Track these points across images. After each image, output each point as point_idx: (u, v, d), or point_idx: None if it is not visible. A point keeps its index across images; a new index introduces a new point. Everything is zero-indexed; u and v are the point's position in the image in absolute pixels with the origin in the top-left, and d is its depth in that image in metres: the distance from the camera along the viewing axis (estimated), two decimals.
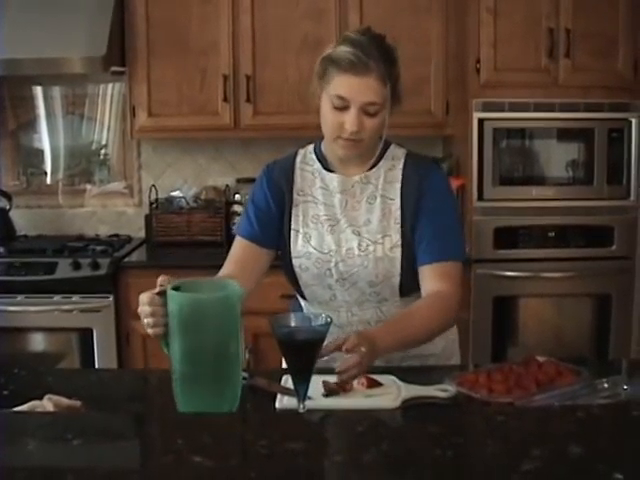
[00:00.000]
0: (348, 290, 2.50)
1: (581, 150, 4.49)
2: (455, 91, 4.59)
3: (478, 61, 4.36)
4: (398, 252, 2.45)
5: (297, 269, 2.52)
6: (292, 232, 2.52)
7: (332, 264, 2.47)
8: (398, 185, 2.50)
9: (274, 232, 2.55)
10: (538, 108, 4.37)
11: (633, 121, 4.44)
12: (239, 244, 2.58)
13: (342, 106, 2.35)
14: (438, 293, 2.41)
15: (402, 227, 2.47)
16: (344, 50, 2.33)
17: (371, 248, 2.46)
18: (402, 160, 2.54)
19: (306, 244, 2.50)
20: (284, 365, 2.61)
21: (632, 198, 4.49)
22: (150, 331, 2.01)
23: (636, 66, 4.41)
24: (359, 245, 2.46)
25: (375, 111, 2.36)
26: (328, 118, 2.41)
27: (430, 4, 4.56)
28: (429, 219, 2.47)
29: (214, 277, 2.43)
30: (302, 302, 2.66)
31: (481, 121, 4.39)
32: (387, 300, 2.52)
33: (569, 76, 4.38)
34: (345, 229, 2.49)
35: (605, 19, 4.37)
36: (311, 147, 2.63)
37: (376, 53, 2.33)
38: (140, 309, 2.02)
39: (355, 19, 4.51)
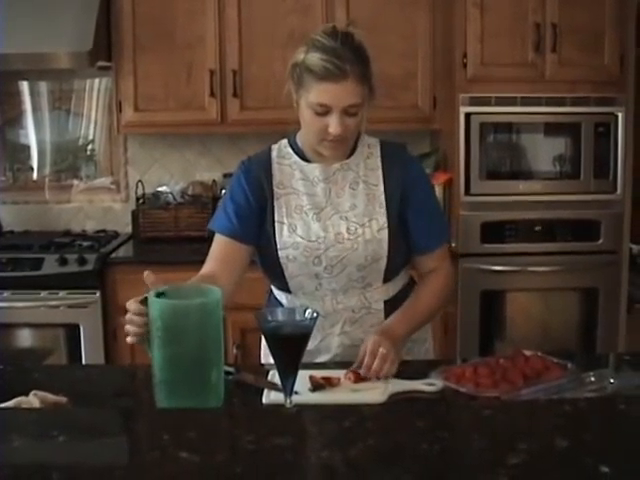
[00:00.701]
0: (335, 277, 2.52)
1: (568, 144, 4.50)
2: (442, 86, 4.59)
3: (465, 56, 4.37)
4: (385, 234, 2.51)
5: (283, 260, 2.52)
6: (276, 224, 2.52)
7: (321, 251, 2.49)
8: (379, 172, 2.56)
9: (254, 228, 2.55)
10: (525, 102, 4.38)
11: (619, 115, 4.44)
12: (219, 241, 2.57)
13: (324, 112, 2.36)
14: (440, 273, 2.63)
15: (388, 210, 2.53)
16: (318, 57, 2.33)
17: (360, 231, 2.50)
18: (378, 147, 2.60)
19: (292, 234, 2.50)
20: (263, 360, 2.64)
21: (618, 192, 4.50)
22: (128, 339, 2.04)
23: (622, 60, 4.42)
24: (348, 229, 2.50)
25: (356, 111, 2.39)
26: (310, 123, 2.42)
27: None
28: (419, 209, 2.57)
29: (197, 275, 2.46)
30: (283, 296, 2.65)
31: (468, 115, 4.39)
32: (371, 285, 2.56)
33: (555, 70, 4.38)
34: (332, 216, 2.52)
35: (591, 13, 4.37)
36: (285, 141, 2.65)
37: (350, 56, 2.33)
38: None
39: (342, 14, 4.50)
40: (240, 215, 2.54)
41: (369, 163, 2.57)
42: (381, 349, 2.25)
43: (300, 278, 2.54)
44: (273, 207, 2.54)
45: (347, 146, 2.52)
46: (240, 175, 2.60)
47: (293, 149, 2.60)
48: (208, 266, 2.53)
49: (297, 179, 2.55)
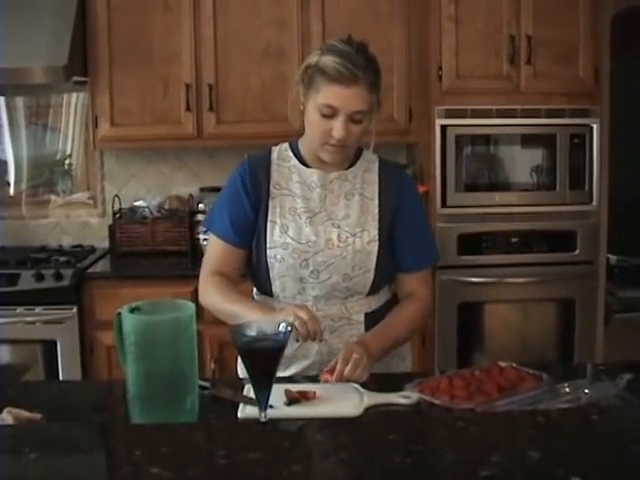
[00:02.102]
0: (320, 283, 2.54)
1: (543, 156, 4.52)
2: (417, 98, 4.61)
3: (440, 68, 4.38)
4: (375, 247, 2.55)
5: (271, 259, 2.54)
6: (269, 223, 2.56)
7: (310, 254, 2.52)
8: (376, 186, 2.61)
9: (249, 234, 2.60)
10: (500, 114, 4.40)
11: (594, 127, 4.47)
12: (217, 246, 2.63)
13: (330, 114, 2.42)
14: (418, 297, 2.66)
15: (380, 224, 2.57)
16: (332, 60, 2.39)
17: (350, 240, 2.54)
18: (377, 164, 2.66)
19: (283, 234, 2.54)
20: (240, 374, 2.65)
21: (594, 203, 4.52)
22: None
23: (597, 72, 4.45)
24: (339, 236, 2.54)
25: (361, 118, 2.44)
26: (316, 125, 2.47)
27: (392, 12, 4.58)
28: (409, 227, 2.63)
29: (213, 277, 2.60)
30: (266, 300, 2.65)
31: (444, 128, 4.41)
32: (353, 297, 2.59)
33: (530, 82, 4.41)
34: (324, 222, 2.55)
35: (566, 26, 4.41)
36: (286, 145, 2.69)
37: (363, 63, 2.41)
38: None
39: (317, 28, 4.51)
40: (236, 221, 2.59)
41: (367, 177, 2.62)
42: (354, 355, 2.31)
43: (285, 279, 2.56)
44: (267, 206, 2.58)
45: (347, 154, 2.56)
46: (238, 176, 2.63)
47: (294, 153, 2.64)
48: (214, 266, 2.63)
49: (294, 182, 2.60)
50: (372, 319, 2.58)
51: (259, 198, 2.59)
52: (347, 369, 2.28)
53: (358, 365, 2.29)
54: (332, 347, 2.54)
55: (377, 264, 2.55)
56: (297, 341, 2.32)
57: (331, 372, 2.31)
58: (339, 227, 2.54)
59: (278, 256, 2.53)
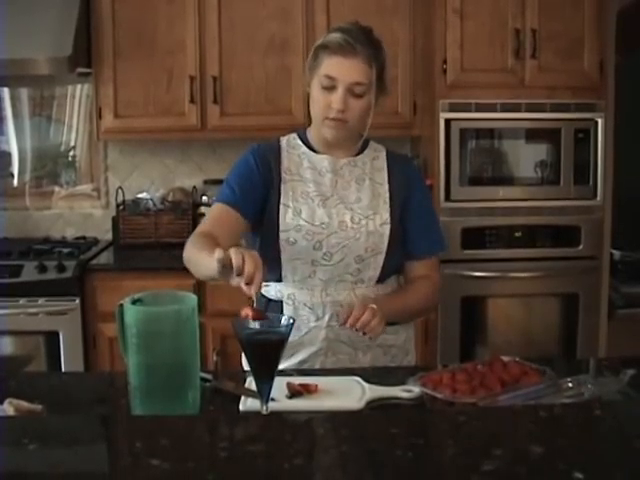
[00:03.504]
0: (332, 266, 2.56)
1: (548, 150, 4.51)
2: (422, 92, 4.61)
3: (445, 62, 4.37)
4: (387, 229, 2.59)
5: (283, 242, 2.55)
6: (281, 207, 2.57)
7: (323, 236, 2.55)
8: (385, 173, 2.67)
9: (255, 204, 2.58)
10: (505, 108, 4.39)
11: (599, 121, 4.46)
12: (218, 207, 2.59)
13: (330, 86, 2.48)
14: (428, 280, 2.70)
15: (391, 208, 2.61)
16: (334, 35, 2.51)
17: (363, 222, 2.57)
18: (384, 152, 2.72)
19: (296, 217, 2.55)
20: (245, 367, 2.65)
21: (598, 198, 4.51)
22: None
23: (602, 66, 4.44)
24: (352, 218, 2.57)
25: (361, 92, 2.50)
26: (317, 99, 2.54)
27: (396, 5, 4.58)
28: (419, 214, 2.68)
29: (195, 233, 2.47)
30: (270, 286, 2.65)
31: (448, 122, 4.40)
32: (363, 282, 2.60)
33: (535, 76, 4.40)
34: (337, 204, 2.59)
35: (571, 20, 4.39)
36: (294, 135, 2.74)
37: (363, 38, 2.50)
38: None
39: (322, 20, 4.51)
40: (243, 188, 2.58)
41: (375, 164, 2.68)
42: (371, 305, 2.35)
43: (296, 262, 2.57)
44: (280, 190, 2.59)
45: (348, 131, 2.58)
46: (249, 155, 2.65)
47: (303, 142, 2.69)
48: (205, 226, 2.54)
49: (305, 167, 2.63)
50: None
51: (270, 178, 2.60)
52: (365, 315, 2.32)
53: (375, 314, 2.33)
54: (339, 333, 2.55)
55: (389, 247, 2.58)
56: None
57: (254, 310, 1.99)
58: (352, 210, 2.58)
59: (291, 239, 2.54)
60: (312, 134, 2.68)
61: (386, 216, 2.59)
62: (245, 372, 2.48)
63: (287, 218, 2.55)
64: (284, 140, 2.70)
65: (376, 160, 2.68)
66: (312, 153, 2.65)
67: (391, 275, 2.69)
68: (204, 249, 2.25)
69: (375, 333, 2.37)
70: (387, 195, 2.62)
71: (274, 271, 2.62)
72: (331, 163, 2.63)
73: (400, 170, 2.68)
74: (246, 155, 2.66)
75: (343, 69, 2.46)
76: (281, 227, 2.55)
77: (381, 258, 2.59)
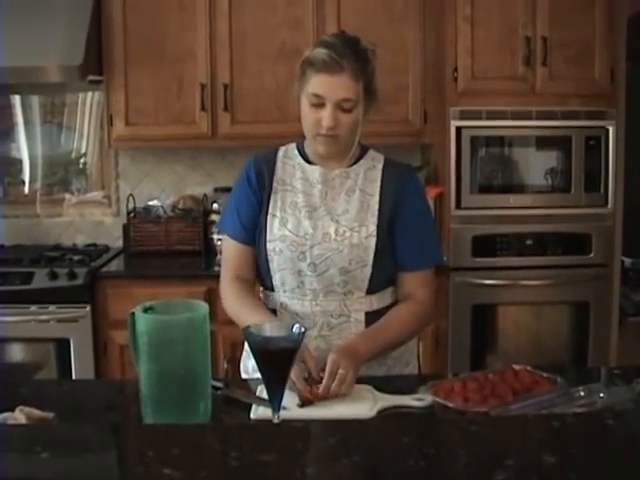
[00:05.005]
0: (318, 277, 2.55)
1: (559, 158, 4.50)
2: (433, 99, 4.60)
3: (455, 69, 4.37)
4: (373, 242, 2.55)
5: (270, 252, 2.57)
6: (269, 216, 2.59)
7: (307, 247, 2.54)
8: (378, 184, 2.62)
9: (256, 225, 2.64)
10: (515, 116, 4.39)
11: (610, 129, 4.45)
12: (231, 246, 2.68)
13: (319, 103, 2.47)
14: (415, 300, 2.61)
15: (379, 220, 2.57)
16: (319, 51, 2.46)
17: (347, 234, 2.54)
18: (382, 162, 2.67)
19: (282, 227, 2.56)
20: (243, 375, 2.65)
21: (609, 206, 4.50)
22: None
23: (612, 74, 4.43)
24: (336, 230, 2.55)
25: (350, 107, 2.48)
26: (307, 116, 2.53)
27: (407, 13, 4.57)
28: (409, 226, 2.61)
29: (235, 282, 2.65)
30: (268, 295, 2.67)
31: (459, 129, 4.40)
32: (353, 294, 2.57)
33: (546, 84, 4.39)
34: (323, 216, 2.57)
35: (581, 27, 4.39)
36: (293, 144, 2.73)
37: (349, 52, 2.45)
38: None
39: (332, 28, 4.50)
40: (247, 221, 2.64)
41: (369, 174, 2.63)
42: (340, 370, 2.25)
43: (284, 272, 2.58)
44: (269, 200, 2.61)
45: (340, 145, 2.56)
46: (244, 173, 2.69)
47: (299, 152, 2.69)
48: (231, 271, 2.68)
49: (297, 178, 2.63)
50: (374, 319, 2.56)
51: (263, 190, 2.63)
52: (333, 385, 2.23)
53: (343, 381, 2.24)
54: (331, 343, 2.53)
55: (375, 259, 2.54)
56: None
57: (314, 392, 2.21)
58: (337, 222, 2.56)
59: (277, 249, 2.56)
60: (307, 146, 2.68)
61: (372, 228, 2.55)
62: (245, 380, 2.50)
63: (274, 228, 2.58)
64: (282, 150, 2.71)
65: (371, 170, 2.64)
66: (305, 164, 2.65)
67: (385, 286, 2.64)
68: (249, 311, 2.52)
69: (348, 392, 2.27)
70: (376, 207, 2.58)
71: (266, 279, 2.65)
72: (322, 174, 2.61)
73: (395, 181, 2.63)
74: (242, 174, 2.70)
75: (330, 87, 2.45)
76: (268, 237, 2.58)
77: (367, 270, 2.55)
